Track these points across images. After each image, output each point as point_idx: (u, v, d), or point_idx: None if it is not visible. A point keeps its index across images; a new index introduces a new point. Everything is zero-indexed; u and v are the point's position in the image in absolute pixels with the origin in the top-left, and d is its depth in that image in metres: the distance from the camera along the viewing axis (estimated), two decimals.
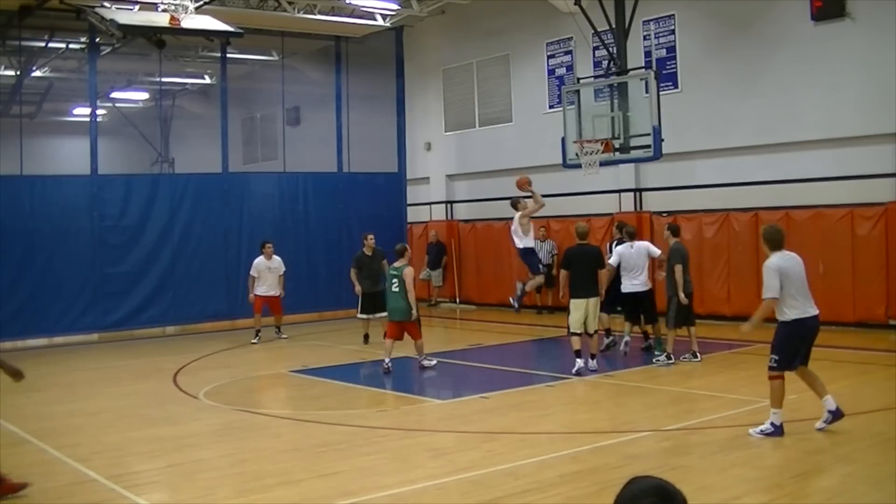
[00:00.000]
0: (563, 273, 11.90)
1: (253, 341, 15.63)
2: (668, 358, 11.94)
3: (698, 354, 12.06)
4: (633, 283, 12.36)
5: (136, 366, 13.83)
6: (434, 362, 12.48)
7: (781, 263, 7.86)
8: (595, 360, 11.67)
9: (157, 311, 17.75)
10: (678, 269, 11.78)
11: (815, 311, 7.88)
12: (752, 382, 10.17)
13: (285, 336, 16.19)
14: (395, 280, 12.11)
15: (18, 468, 7.61)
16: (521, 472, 7.03)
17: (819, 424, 7.91)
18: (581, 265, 11.59)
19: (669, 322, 11.98)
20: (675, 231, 12.29)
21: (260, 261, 15.91)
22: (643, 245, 12.70)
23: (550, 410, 9.81)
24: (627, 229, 12.85)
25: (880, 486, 6.46)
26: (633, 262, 12.37)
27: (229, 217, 18.56)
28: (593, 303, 11.54)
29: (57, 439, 8.61)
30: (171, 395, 11.10)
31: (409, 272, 12.06)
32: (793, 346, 7.84)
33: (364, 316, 14.93)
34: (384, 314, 14.89)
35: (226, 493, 6.78)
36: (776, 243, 7.99)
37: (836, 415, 7.85)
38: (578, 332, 11.48)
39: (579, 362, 11.41)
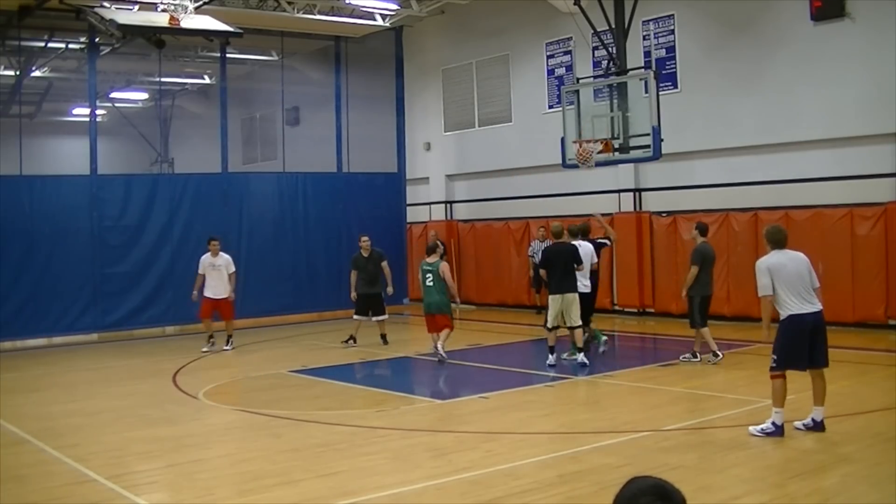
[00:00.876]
0: (542, 272, 12.40)
1: (203, 349, 14.73)
2: (715, 356, 11.85)
3: (698, 355, 12.05)
4: (580, 282, 12.23)
5: (136, 366, 13.83)
6: (439, 359, 12.52)
7: (770, 261, 7.91)
8: (583, 354, 11.87)
9: (156, 311, 17.71)
10: (693, 269, 11.83)
11: (813, 308, 7.82)
12: (752, 382, 10.19)
13: (228, 348, 14.81)
14: (429, 275, 12.69)
15: (18, 468, 7.62)
16: (520, 472, 7.02)
17: (797, 424, 7.93)
18: (557, 263, 11.97)
19: (695, 322, 11.96)
20: (703, 231, 12.25)
21: (205, 258, 14.94)
22: (590, 246, 12.73)
23: (550, 410, 9.81)
24: (572, 228, 12.89)
25: (880, 486, 6.46)
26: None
27: (229, 217, 18.52)
28: (569, 298, 11.83)
29: (56, 439, 8.60)
30: (170, 395, 11.10)
31: (444, 266, 12.73)
32: (790, 344, 7.81)
33: (358, 317, 14.84)
34: (384, 317, 14.95)
35: (225, 493, 6.77)
36: (775, 243, 8.03)
37: (818, 427, 7.87)
38: (552, 327, 11.98)
39: (551, 358, 12.02)
